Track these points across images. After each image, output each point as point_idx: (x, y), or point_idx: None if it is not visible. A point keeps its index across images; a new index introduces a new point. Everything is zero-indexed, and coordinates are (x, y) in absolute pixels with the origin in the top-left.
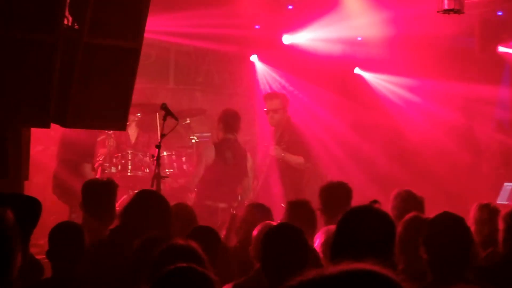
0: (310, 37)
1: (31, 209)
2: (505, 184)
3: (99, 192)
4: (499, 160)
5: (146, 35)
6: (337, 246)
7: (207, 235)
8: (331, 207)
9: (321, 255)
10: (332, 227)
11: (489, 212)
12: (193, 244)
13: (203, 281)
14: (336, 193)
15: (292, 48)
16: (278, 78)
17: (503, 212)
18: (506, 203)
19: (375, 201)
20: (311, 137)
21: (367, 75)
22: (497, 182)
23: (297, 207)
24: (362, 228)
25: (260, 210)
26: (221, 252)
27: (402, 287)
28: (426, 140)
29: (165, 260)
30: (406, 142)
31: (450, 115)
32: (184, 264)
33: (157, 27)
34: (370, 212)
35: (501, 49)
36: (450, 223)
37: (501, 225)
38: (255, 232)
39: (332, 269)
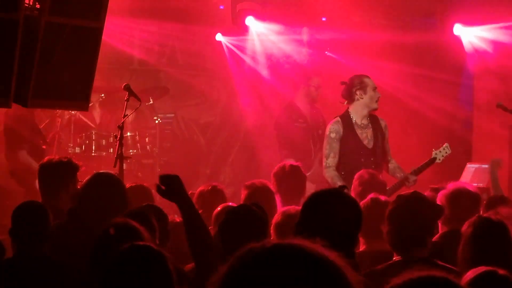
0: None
1: None
2: (468, 165)
3: (56, 172)
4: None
5: (109, 16)
6: (301, 228)
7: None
8: (286, 190)
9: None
10: (288, 208)
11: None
12: (132, 222)
13: (159, 258)
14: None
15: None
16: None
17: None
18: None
19: (343, 187)
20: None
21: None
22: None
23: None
24: (328, 211)
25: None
26: None
27: None
28: None
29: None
30: None
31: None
32: (140, 243)
33: (120, 6)
34: (337, 195)
35: (457, 27)
36: (414, 200)
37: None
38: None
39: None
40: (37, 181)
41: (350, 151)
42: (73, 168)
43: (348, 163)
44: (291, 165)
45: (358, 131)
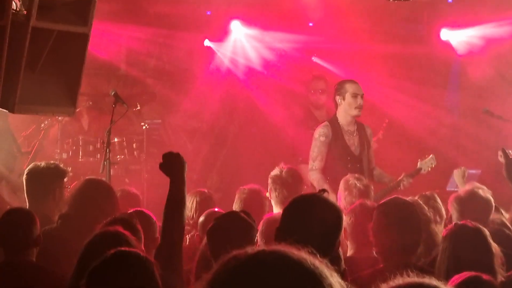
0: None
1: None
2: (455, 171)
3: (42, 178)
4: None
5: (96, 21)
6: (282, 233)
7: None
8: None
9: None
10: (272, 215)
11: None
12: (122, 230)
13: (143, 264)
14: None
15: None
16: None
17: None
18: (455, 190)
19: (323, 190)
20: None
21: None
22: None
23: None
24: (307, 215)
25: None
26: None
27: None
28: None
29: (95, 247)
30: None
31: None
32: (126, 248)
33: (108, 12)
34: (318, 200)
35: (444, 32)
36: (400, 206)
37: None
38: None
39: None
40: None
41: (338, 156)
42: (60, 173)
43: (334, 168)
44: (289, 168)
45: (346, 137)
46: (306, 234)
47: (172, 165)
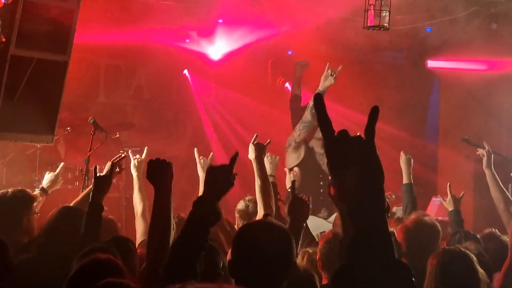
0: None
1: None
2: (433, 198)
3: (9, 206)
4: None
5: (76, 50)
6: (234, 264)
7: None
8: None
9: None
10: None
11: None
12: (114, 258)
13: None
14: None
15: (222, 62)
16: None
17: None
18: (434, 217)
19: (267, 214)
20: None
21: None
22: None
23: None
24: (257, 243)
25: None
26: None
27: None
28: None
29: (85, 275)
30: None
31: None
32: (117, 280)
33: (87, 40)
34: (264, 226)
35: (430, 63)
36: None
37: None
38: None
39: None
40: None
41: (310, 174)
42: (27, 201)
43: (307, 186)
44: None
45: (317, 157)
46: (256, 266)
47: (159, 172)
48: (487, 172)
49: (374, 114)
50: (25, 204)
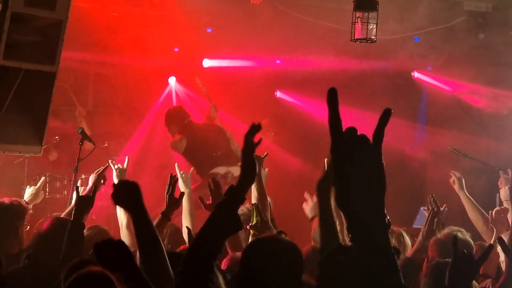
0: (229, 61)
1: None
2: (421, 208)
3: (5, 216)
4: None
5: (64, 60)
6: (243, 277)
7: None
8: None
9: None
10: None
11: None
12: (107, 272)
13: None
14: None
15: (212, 71)
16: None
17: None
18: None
19: (281, 232)
20: None
21: (289, 99)
22: None
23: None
24: (267, 258)
25: None
26: None
27: None
28: None
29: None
30: None
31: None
32: None
33: (75, 51)
34: (276, 242)
35: (417, 75)
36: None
37: None
38: None
39: None
40: None
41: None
42: (22, 211)
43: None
44: None
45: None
46: (268, 276)
47: (127, 195)
48: (461, 195)
49: (385, 117)
50: (21, 214)
